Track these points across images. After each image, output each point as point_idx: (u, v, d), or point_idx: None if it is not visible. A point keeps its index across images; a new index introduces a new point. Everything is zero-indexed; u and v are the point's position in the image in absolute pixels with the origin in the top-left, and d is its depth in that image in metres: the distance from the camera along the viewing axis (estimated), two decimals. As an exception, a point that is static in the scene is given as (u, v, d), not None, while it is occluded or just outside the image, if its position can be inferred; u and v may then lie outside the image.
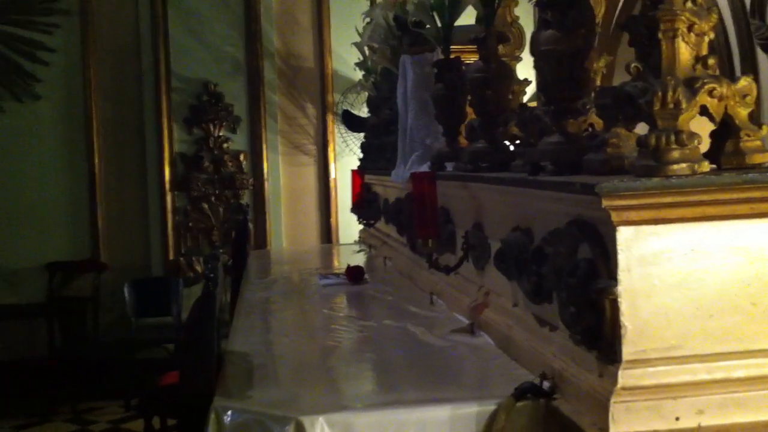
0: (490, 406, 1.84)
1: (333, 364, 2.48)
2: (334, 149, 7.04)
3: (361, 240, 5.53)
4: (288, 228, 6.99)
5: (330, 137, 7.03)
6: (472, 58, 2.98)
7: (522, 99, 2.73)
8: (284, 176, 6.99)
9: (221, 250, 6.35)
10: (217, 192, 6.89)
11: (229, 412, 1.90)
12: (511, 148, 2.58)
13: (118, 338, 6.62)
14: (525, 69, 2.91)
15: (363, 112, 6.50)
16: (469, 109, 3.00)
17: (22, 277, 6.81)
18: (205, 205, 6.89)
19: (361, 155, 5.79)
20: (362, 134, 6.02)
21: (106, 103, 6.88)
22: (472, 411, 1.84)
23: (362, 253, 5.00)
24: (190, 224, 6.88)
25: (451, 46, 3.13)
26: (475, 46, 2.75)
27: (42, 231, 6.84)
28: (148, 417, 4.51)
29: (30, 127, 6.83)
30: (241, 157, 6.94)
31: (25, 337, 6.66)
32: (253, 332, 2.85)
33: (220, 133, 6.90)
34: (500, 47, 2.69)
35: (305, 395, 2.06)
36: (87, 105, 6.82)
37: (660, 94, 1.62)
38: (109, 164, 6.88)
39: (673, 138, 1.61)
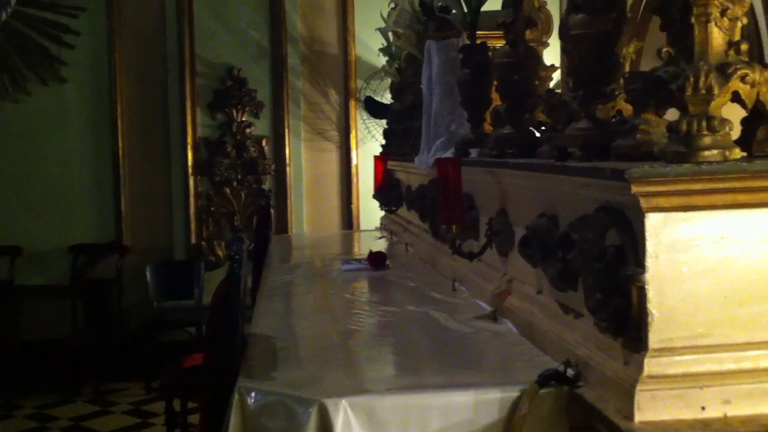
0: (513, 393, 1.82)
1: (355, 347, 2.48)
2: (357, 135, 7.04)
3: (383, 226, 5.52)
4: (309, 214, 7.01)
5: (352, 123, 7.03)
6: (498, 44, 2.96)
7: (549, 85, 2.71)
8: (306, 162, 7.00)
9: (244, 234, 6.37)
10: (239, 177, 6.92)
11: (253, 393, 1.90)
12: (538, 134, 2.56)
13: (140, 320, 6.69)
14: (552, 55, 2.89)
15: (386, 98, 6.49)
16: (494, 95, 2.98)
17: (47, 258, 6.89)
18: (228, 190, 6.92)
19: (383, 141, 5.78)
20: (384, 121, 6.01)
21: (131, 87, 6.91)
22: (495, 397, 1.83)
23: (384, 240, 4.99)
24: (213, 209, 6.92)
25: (478, 32, 3.11)
26: (502, 32, 2.73)
27: (66, 213, 6.91)
28: (169, 399, 4.54)
29: (55, 110, 6.89)
30: (264, 143, 6.96)
31: (49, 318, 6.74)
32: (275, 315, 2.86)
33: (243, 118, 6.92)
34: (527, 32, 2.66)
35: (328, 378, 2.06)
36: (112, 88, 6.87)
37: (692, 79, 1.59)
38: (134, 148, 6.93)
39: (704, 124, 1.59)
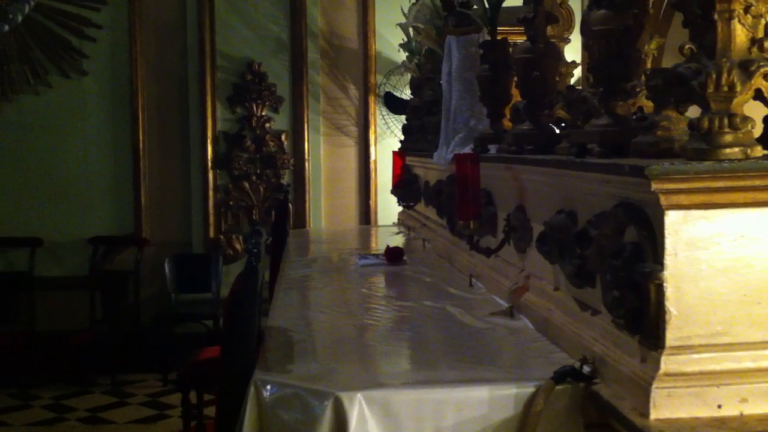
0: (529, 388, 1.82)
1: (371, 341, 2.49)
2: (376, 131, 7.03)
3: (400, 222, 5.53)
4: (327, 208, 7.01)
5: (371, 119, 7.02)
6: (518, 40, 2.95)
7: (569, 81, 2.70)
8: (325, 157, 7.01)
9: (262, 228, 6.38)
10: (258, 171, 6.93)
11: (269, 386, 1.91)
12: (557, 130, 2.55)
13: (157, 313, 6.72)
14: (573, 51, 2.88)
15: (405, 94, 6.49)
16: (514, 91, 2.97)
17: (66, 250, 6.94)
18: (246, 184, 6.94)
19: (402, 137, 5.77)
20: (403, 116, 6.01)
21: (151, 80, 6.94)
22: (511, 392, 1.83)
23: (401, 235, 4.99)
24: (231, 202, 6.94)
25: (498, 27, 3.11)
26: (522, 28, 2.72)
27: (86, 206, 6.96)
28: (185, 391, 4.57)
29: (76, 102, 6.93)
30: (283, 137, 6.97)
31: (67, 309, 6.78)
32: (292, 308, 2.87)
33: (263, 113, 6.93)
34: (548, 28, 2.65)
35: (343, 371, 2.07)
36: (132, 81, 6.90)
37: (714, 76, 1.58)
38: (153, 141, 6.96)
39: (726, 121, 1.58)
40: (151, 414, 5.83)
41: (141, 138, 6.93)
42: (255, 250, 2.31)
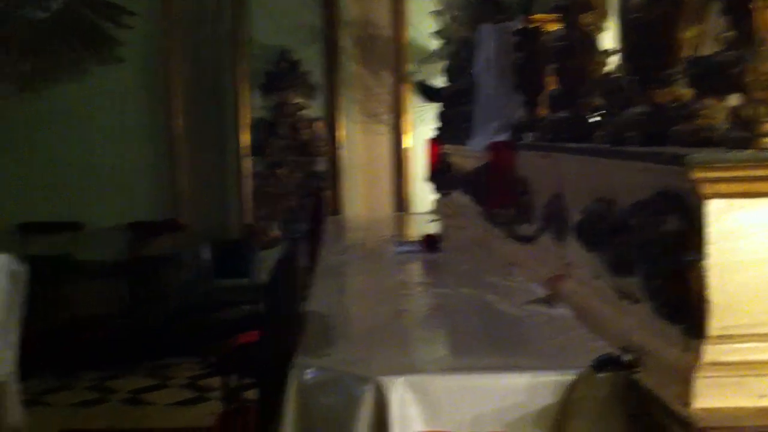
0: (569, 376, 1.83)
1: (409, 327, 2.51)
2: (409, 119, 7.04)
3: (436, 209, 5.54)
4: (362, 196, 7.04)
5: (405, 107, 7.02)
6: (553, 28, 2.94)
7: (605, 69, 2.68)
8: (359, 144, 7.03)
9: (298, 215, 6.44)
10: (293, 158, 6.97)
11: (310, 370, 1.95)
12: (597, 118, 2.54)
13: (196, 298, 6.80)
14: (611, 39, 2.86)
15: (439, 82, 6.48)
16: (549, 79, 2.97)
17: (105, 235, 7.03)
18: (282, 171, 6.98)
19: (436, 125, 5.77)
20: (437, 104, 6.00)
21: (186, 68, 7.00)
22: (551, 380, 1.84)
23: (437, 222, 5.00)
24: (267, 189, 6.99)
25: (533, 15, 3.10)
26: (557, 15, 2.72)
27: (124, 191, 7.05)
28: (225, 374, 4.62)
29: (113, 89, 7.01)
30: (317, 125, 6.99)
31: (106, 294, 6.89)
32: (330, 295, 2.90)
33: (297, 100, 6.96)
34: (585, 16, 2.64)
35: (383, 356, 2.10)
36: (168, 68, 6.96)
37: (753, 64, 1.58)
38: (189, 127, 7.02)
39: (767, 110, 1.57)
40: (191, 396, 5.92)
41: (177, 124, 7.01)
42: (292, 237, 2.34)
